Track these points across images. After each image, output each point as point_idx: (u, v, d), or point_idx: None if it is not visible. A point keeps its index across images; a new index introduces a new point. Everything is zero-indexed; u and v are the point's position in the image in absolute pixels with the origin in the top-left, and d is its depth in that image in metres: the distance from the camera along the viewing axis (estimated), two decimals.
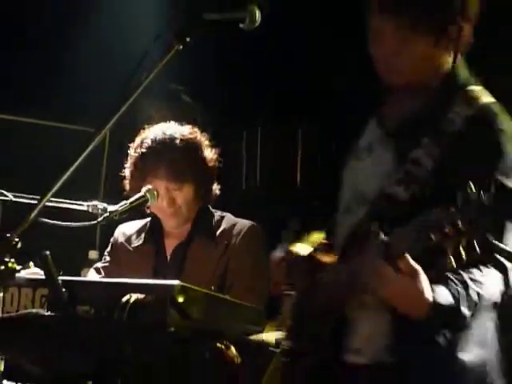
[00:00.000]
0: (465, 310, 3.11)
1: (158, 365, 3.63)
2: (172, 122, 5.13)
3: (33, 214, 3.20)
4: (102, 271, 5.12)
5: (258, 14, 3.34)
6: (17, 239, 3.08)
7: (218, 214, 5.16)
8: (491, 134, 3.41)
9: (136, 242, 5.11)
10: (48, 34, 6.54)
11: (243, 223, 5.11)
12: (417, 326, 3.24)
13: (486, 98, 3.53)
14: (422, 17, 3.47)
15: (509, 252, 3.19)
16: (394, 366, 3.35)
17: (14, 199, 4.49)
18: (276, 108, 8.25)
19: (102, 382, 3.61)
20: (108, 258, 5.18)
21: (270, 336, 4.44)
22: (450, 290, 3.07)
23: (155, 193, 4.80)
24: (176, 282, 3.38)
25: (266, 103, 7.80)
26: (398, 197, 3.32)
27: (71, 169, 3.20)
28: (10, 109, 6.77)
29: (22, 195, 4.42)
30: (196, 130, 5.12)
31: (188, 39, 3.26)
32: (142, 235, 5.14)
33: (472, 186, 2.80)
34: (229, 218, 5.14)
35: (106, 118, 3.31)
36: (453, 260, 2.85)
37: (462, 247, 2.86)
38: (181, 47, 3.29)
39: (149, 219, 5.22)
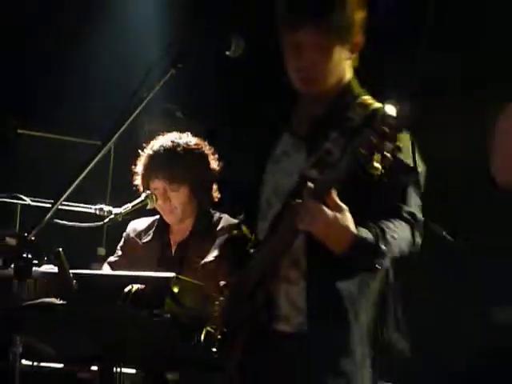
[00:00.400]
0: (383, 247, 3.34)
1: (154, 348, 3.97)
2: (185, 134, 5.29)
3: (47, 216, 3.46)
4: (114, 264, 5.26)
5: (242, 43, 3.72)
6: (33, 238, 3.35)
7: (217, 214, 5.30)
8: (385, 116, 3.44)
9: (145, 238, 5.27)
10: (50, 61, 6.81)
11: (233, 221, 5.11)
12: (330, 292, 3.54)
13: (376, 104, 3.73)
14: (338, 32, 3.71)
15: (411, 212, 3.49)
16: (309, 335, 3.55)
17: (31, 203, 4.72)
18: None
19: (106, 364, 3.99)
20: (120, 252, 5.33)
21: None
22: (370, 230, 3.32)
23: (154, 197, 5.03)
24: (172, 274, 3.73)
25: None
26: (313, 176, 3.47)
27: (81, 176, 3.49)
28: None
29: (38, 199, 4.60)
30: (203, 142, 5.30)
31: (180, 65, 3.62)
32: (151, 231, 5.30)
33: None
34: (226, 219, 5.26)
35: (112, 133, 3.61)
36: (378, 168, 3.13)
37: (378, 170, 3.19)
38: (174, 72, 3.65)
39: (157, 217, 5.36)
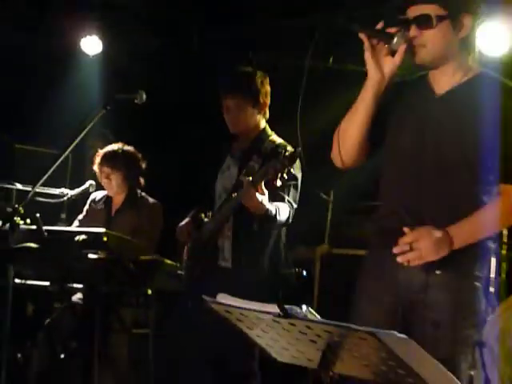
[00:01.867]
0: (278, 217, 4.65)
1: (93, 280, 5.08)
2: (127, 145, 6.14)
3: (29, 195, 4.66)
4: (81, 220, 6.05)
5: (144, 95, 4.81)
6: (21, 208, 4.51)
7: (141, 193, 6.17)
8: (284, 150, 4.55)
9: (99, 206, 6.14)
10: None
11: (152, 200, 6.17)
12: (249, 243, 4.83)
13: (279, 140, 5.07)
14: (249, 98, 4.94)
15: (289, 201, 4.82)
16: (235, 270, 4.79)
17: (20, 187, 5.40)
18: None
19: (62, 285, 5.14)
20: (84, 213, 6.14)
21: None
22: (273, 208, 4.58)
23: (94, 183, 5.86)
24: (103, 229, 4.94)
25: None
26: (244, 180, 4.56)
27: (51, 170, 4.57)
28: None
29: (25, 186, 5.22)
30: (135, 150, 6.13)
31: (108, 107, 4.64)
32: (102, 201, 6.15)
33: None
34: (145, 197, 6.18)
35: (68, 145, 4.65)
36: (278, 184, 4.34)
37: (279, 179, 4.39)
38: (105, 111, 4.69)
39: (106, 192, 6.14)
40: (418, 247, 3.02)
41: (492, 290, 3.96)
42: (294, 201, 4.87)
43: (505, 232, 5.14)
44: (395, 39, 3.10)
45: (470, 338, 3.22)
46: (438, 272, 3.14)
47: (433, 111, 3.26)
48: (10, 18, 6.91)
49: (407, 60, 3.20)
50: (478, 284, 3.23)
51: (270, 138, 5.01)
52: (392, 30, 3.12)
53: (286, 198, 4.82)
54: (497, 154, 3.09)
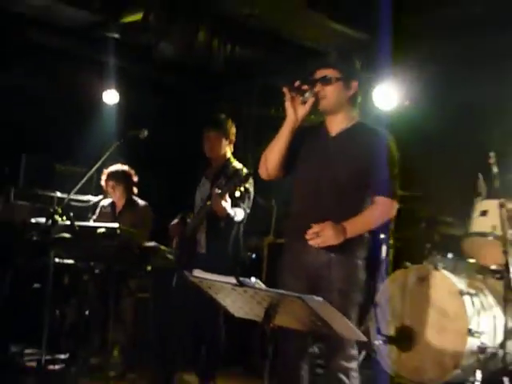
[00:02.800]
0: (237, 218, 4.62)
1: (109, 260, 4.90)
2: (124, 165, 5.91)
3: (65, 200, 4.71)
4: (95, 220, 5.71)
5: (146, 132, 4.93)
6: (59, 209, 4.50)
7: (137, 199, 5.85)
8: (241, 172, 4.75)
9: (106, 209, 5.82)
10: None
11: (143, 203, 5.85)
12: (218, 236, 4.77)
13: (238, 166, 4.94)
14: (223, 134, 4.93)
15: (244, 207, 4.77)
16: (209, 255, 4.72)
17: (61, 196, 5.55)
18: None
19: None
20: (97, 214, 5.82)
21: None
22: (233, 211, 4.52)
23: (107, 196, 5.77)
24: (116, 224, 4.81)
25: None
26: (216, 192, 4.42)
27: (81, 183, 4.65)
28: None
29: (65, 195, 5.26)
30: (130, 168, 5.85)
31: (121, 141, 4.81)
32: (109, 207, 5.82)
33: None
34: (138, 201, 5.86)
35: (93, 165, 4.83)
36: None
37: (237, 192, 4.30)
38: (119, 143, 4.85)
39: (111, 199, 5.80)
40: (323, 234, 3.12)
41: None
42: (248, 207, 4.87)
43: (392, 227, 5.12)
44: (306, 94, 3.23)
45: (356, 299, 3.29)
46: (333, 255, 3.21)
47: (328, 147, 3.37)
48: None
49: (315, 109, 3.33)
50: (360, 262, 3.31)
51: (233, 163, 5.00)
52: (304, 87, 3.24)
53: (242, 205, 4.80)
54: (370, 175, 3.26)
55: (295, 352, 3.28)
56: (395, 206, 3.33)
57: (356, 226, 3.24)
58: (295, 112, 3.26)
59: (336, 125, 3.39)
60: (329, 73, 3.30)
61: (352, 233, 3.19)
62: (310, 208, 3.31)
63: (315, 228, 3.14)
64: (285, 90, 3.25)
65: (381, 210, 3.29)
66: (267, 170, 3.42)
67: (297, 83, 3.25)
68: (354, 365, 3.23)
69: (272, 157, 3.37)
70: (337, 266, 3.22)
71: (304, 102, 3.25)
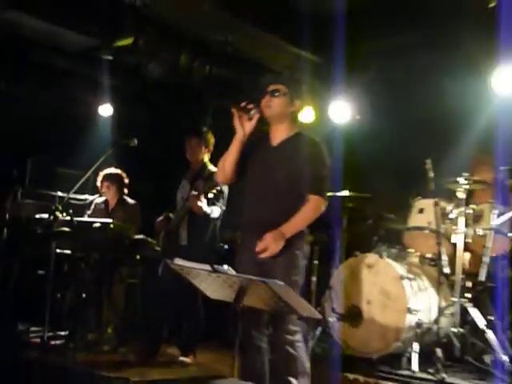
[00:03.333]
0: (213, 215, 4.61)
1: (103, 250, 4.98)
2: (117, 168, 5.76)
3: (65, 199, 4.74)
4: (89, 215, 5.52)
5: (136, 141, 4.91)
6: (60, 207, 4.57)
7: (127, 198, 5.72)
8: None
9: (100, 206, 5.69)
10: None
11: (132, 201, 5.73)
12: (197, 230, 4.72)
13: (215, 169, 4.45)
14: (203, 142, 4.91)
15: (219, 206, 4.70)
16: (190, 245, 4.67)
17: (61, 194, 5.20)
18: None
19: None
20: (91, 211, 5.66)
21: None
22: (210, 209, 4.52)
23: (101, 195, 5.66)
24: (110, 220, 4.90)
25: None
26: (194, 193, 4.47)
27: (79, 183, 4.72)
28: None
29: (64, 194, 5.01)
30: (122, 172, 5.73)
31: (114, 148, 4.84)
32: (103, 204, 5.69)
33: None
34: (128, 200, 5.73)
35: (90, 168, 4.84)
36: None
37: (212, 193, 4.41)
38: (112, 150, 4.87)
39: (105, 198, 5.68)
40: (269, 248, 3.17)
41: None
42: (223, 204, 4.84)
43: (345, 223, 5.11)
44: (252, 112, 3.31)
45: (297, 282, 3.29)
46: None
47: (269, 154, 3.44)
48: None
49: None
50: (298, 252, 3.33)
51: (209, 167, 4.95)
52: (250, 106, 3.31)
53: (218, 203, 4.78)
54: (304, 177, 3.28)
55: (253, 324, 3.27)
56: (325, 202, 3.35)
57: (292, 227, 3.26)
58: (243, 128, 3.34)
59: (278, 135, 3.45)
60: (278, 88, 3.37)
61: (290, 233, 3.24)
62: (257, 208, 3.37)
63: (260, 245, 3.20)
64: (233, 110, 3.33)
65: (312, 207, 3.31)
66: (224, 175, 3.51)
67: (243, 104, 3.33)
68: (297, 337, 3.26)
69: (226, 165, 3.44)
70: (279, 255, 3.23)
71: (250, 119, 3.32)
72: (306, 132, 3.54)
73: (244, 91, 5.91)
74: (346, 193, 4.79)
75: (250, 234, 3.34)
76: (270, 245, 3.19)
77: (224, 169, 3.47)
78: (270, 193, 3.34)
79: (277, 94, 3.37)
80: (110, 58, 5.66)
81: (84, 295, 4.96)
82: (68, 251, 5.20)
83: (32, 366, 4.23)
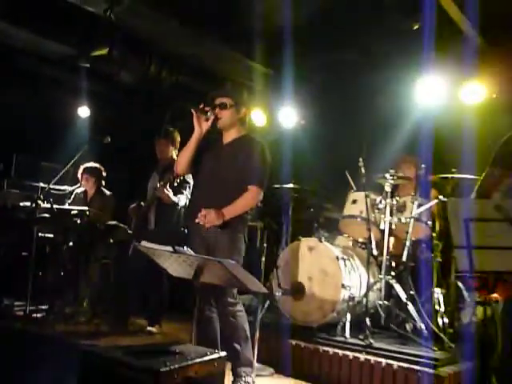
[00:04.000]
0: (179, 203, 4.62)
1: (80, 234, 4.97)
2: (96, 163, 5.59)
3: (46, 189, 4.70)
4: (69, 204, 5.31)
5: (109, 138, 4.89)
6: (41, 196, 4.55)
7: (104, 189, 5.54)
8: None
9: (80, 195, 5.47)
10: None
11: (108, 192, 5.55)
12: (163, 216, 4.71)
13: None
14: (171, 142, 4.91)
15: (186, 195, 4.69)
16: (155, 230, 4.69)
17: (43, 185, 5.18)
18: None
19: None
20: (71, 200, 5.40)
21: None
22: (176, 198, 4.52)
23: (79, 187, 5.47)
24: (86, 208, 4.88)
25: None
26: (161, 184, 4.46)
27: (58, 176, 4.74)
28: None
29: (46, 184, 4.97)
30: (101, 166, 5.58)
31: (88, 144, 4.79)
32: (82, 193, 5.46)
33: None
34: (105, 191, 5.54)
35: (68, 163, 4.83)
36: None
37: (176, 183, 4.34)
38: (87, 146, 4.83)
39: (84, 188, 5.44)
40: (208, 217, 3.21)
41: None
42: (189, 194, 4.78)
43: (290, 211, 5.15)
44: (208, 113, 3.35)
45: (237, 261, 3.25)
46: (219, 230, 3.28)
47: (221, 152, 3.47)
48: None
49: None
50: (240, 235, 3.37)
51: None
52: (207, 108, 3.35)
53: (185, 192, 4.78)
54: (246, 170, 3.33)
55: (205, 299, 3.30)
56: (261, 192, 3.38)
57: (231, 211, 3.27)
58: (200, 126, 3.38)
59: (228, 136, 3.49)
60: (225, 100, 3.39)
61: (229, 215, 3.25)
62: (207, 195, 3.37)
63: (203, 212, 3.23)
64: (192, 110, 3.35)
65: (251, 195, 3.34)
66: (180, 167, 3.50)
67: (201, 106, 3.35)
68: (237, 308, 3.31)
69: (183, 159, 3.47)
70: (222, 238, 3.29)
71: (207, 120, 3.36)
72: (251, 134, 3.57)
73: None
74: (291, 185, 4.80)
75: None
76: (209, 216, 3.21)
77: (181, 161, 3.48)
78: (218, 183, 3.36)
79: (225, 106, 3.39)
80: (88, 65, 5.51)
81: (62, 273, 4.90)
82: (49, 235, 5.13)
83: (15, 335, 4.17)
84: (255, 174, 3.35)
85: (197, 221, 3.27)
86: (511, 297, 2.26)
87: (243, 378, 3.28)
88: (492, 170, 2.47)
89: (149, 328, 4.83)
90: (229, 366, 3.25)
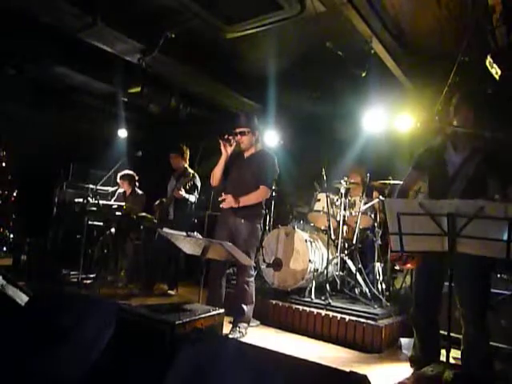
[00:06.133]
0: (191, 200, 4.52)
1: (118, 223, 4.78)
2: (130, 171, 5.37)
3: (94, 189, 4.68)
4: (114, 200, 5.16)
5: (140, 153, 4.87)
6: (91, 195, 4.52)
7: (137, 189, 5.29)
8: (193, 175, 4.61)
9: (121, 195, 5.26)
10: None
11: (141, 192, 5.26)
12: (179, 210, 4.58)
13: (192, 171, 4.69)
14: (181, 157, 4.76)
15: (195, 194, 4.62)
16: (174, 220, 4.66)
17: (93, 187, 5.16)
18: None
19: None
20: (115, 198, 5.29)
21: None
22: (188, 196, 4.41)
23: (120, 187, 5.25)
24: (123, 203, 4.72)
25: None
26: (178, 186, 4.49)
27: (104, 178, 4.74)
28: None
29: (94, 186, 5.13)
30: (134, 173, 5.31)
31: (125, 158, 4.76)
32: (121, 193, 5.28)
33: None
34: (138, 191, 5.27)
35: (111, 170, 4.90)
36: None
37: (188, 185, 4.47)
38: (125, 158, 4.82)
39: (123, 189, 5.26)
40: (227, 201, 3.24)
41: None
42: (198, 193, 4.74)
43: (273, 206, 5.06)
44: (232, 140, 3.30)
45: (255, 245, 3.29)
46: (242, 220, 3.25)
47: (242, 163, 3.43)
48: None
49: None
50: (257, 225, 3.33)
51: (188, 170, 4.84)
52: (230, 137, 3.31)
53: (194, 193, 4.70)
54: (260, 175, 3.30)
55: (218, 271, 3.27)
56: (269, 191, 3.36)
57: (245, 200, 3.25)
58: (226, 150, 3.33)
59: (248, 152, 3.45)
60: (243, 129, 3.35)
61: (243, 203, 3.23)
62: (233, 194, 3.31)
63: (224, 196, 3.25)
64: (219, 139, 3.32)
65: (260, 192, 3.31)
66: (215, 181, 3.42)
67: (225, 136, 3.33)
68: (251, 279, 3.30)
69: (217, 174, 3.39)
70: (244, 226, 3.26)
71: (230, 145, 3.32)
72: (265, 149, 3.52)
73: (211, 123, 5.80)
74: (273, 188, 4.74)
75: (226, 210, 3.33)
76: (228, 199, 3.21)
77: (215, 176, 3.41)
78: (240, 185, 3.33)
79: (244, 134, 3.37)
80: (126, 99, 5.54)
81: (106, 251, 4.85)
82: (96, 223, 5.09)
83: (71, 297, 4.11)
84: (264, 178, 3.32)
85: (221, 205, 3.26)
86: (417, 266, 2.29)
87: (239, 329, 3.27)
88: (411, 172, 2.46)
89: (169, 291, 4.79)
90: (229, 319, 3.26)
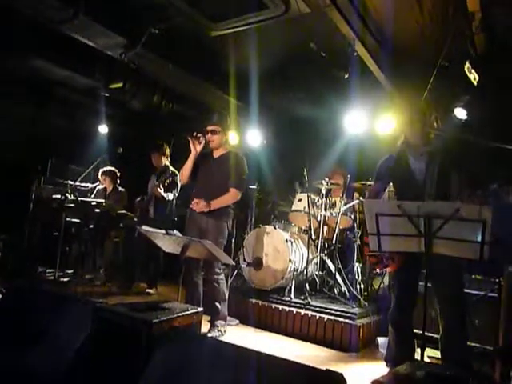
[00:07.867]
0: (169, 198, 4.43)
1: (97, 220, 4.80)
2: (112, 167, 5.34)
3: (73, 185, 4.51)
4: (92, 198, 5.10)
5: (121, 149, 4.78)
6: (69, 191, 4.40)
7: (118, 186, 5.26)
8: (173, 173, 4.54)
9: (101, 192, 5.24)
10: None
11: (122, 189, 5.23)
12: (159, 207, 4.52)
13: (172, 168, 4.61)
14: (162, 154, 4.72)
15: (173, 192, 4.51)
16: (154, 218, 4.49)
17: (72, 183, 4.83)
18: None
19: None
20: (94, 195, 5.18)
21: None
22: (166, 194, 4.33)
23: (100, 183, 5.18)
24: (103, 200, 4.72)
25: None
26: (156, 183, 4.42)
27: (83, 175, 4.62)
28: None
29: (73, 182, 4.78)
30: (115, 169, 5.28)
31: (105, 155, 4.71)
32: (102, 189, 5.24)
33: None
34: (119, 187, 5.25)
35: (90, 166, 4.75)
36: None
37: (167, 183, 4.50)
38: (106, 155, 4.77)
39: (104, 185, 5.24)
40: (199, 205, 3.20)
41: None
42: (177, 191, 4.69)
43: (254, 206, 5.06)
44: (201, 138, 3.30)
45: (222, 243, 3.26)
46: (210, 219, 3.25)
47: (211, 164, 3.42)
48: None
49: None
50: (225, 223, 3.32)
51: (169, 168, 4.80)
52: (199, 135, 3.31)
53: (173, 191, 4.65)
54: (229, 177, 3.28)
55: (192, 269, 3.25)
56: (239, 194, 3.34)
57: (216, 203, 3.24)
58: (195, 148, 3.32)
59: (217, 152, 3.44)
60: (214, 127, 3.35)
61: (213, 206, 3.22)
62: (201, 195, 3.31)
63: (195, 200, 3.24)
64: (188, 137, 3.31)
65: (231, 195, 3.30)
66: (184, 178, 3.42)
67: (195, 133, 3.31)
68: (220, 276, 3.28)
69: (185, 172, 3.37)
70: (212, 224, 3.24)
71: (200, 143, 3.31)
72: (234, 150, 3.52)
73: (193, 121, 5.76)
74: (255, 187, 4.76)
75: (194, 210, 3.30)
76: (200, 204, 3.19)
77: (184, 174, 3.40)
78: (210, 186, 3.31)
79: (215, 132, 3.36)
80: (107, 94, 5.42)
81: (84, 248, 4.80)
82: (74, 219, 4.99)
83: (45, 295, 4.05)
84: (235, 180, 3.31)
85: (191, 207, 3.25)
86: (397, 269, 2.30)
87: (217, 327, 3.26)
88: (376, 183, 2.51)
89: (148, 290, 4.74)
90: (208, 318, 3.24)
